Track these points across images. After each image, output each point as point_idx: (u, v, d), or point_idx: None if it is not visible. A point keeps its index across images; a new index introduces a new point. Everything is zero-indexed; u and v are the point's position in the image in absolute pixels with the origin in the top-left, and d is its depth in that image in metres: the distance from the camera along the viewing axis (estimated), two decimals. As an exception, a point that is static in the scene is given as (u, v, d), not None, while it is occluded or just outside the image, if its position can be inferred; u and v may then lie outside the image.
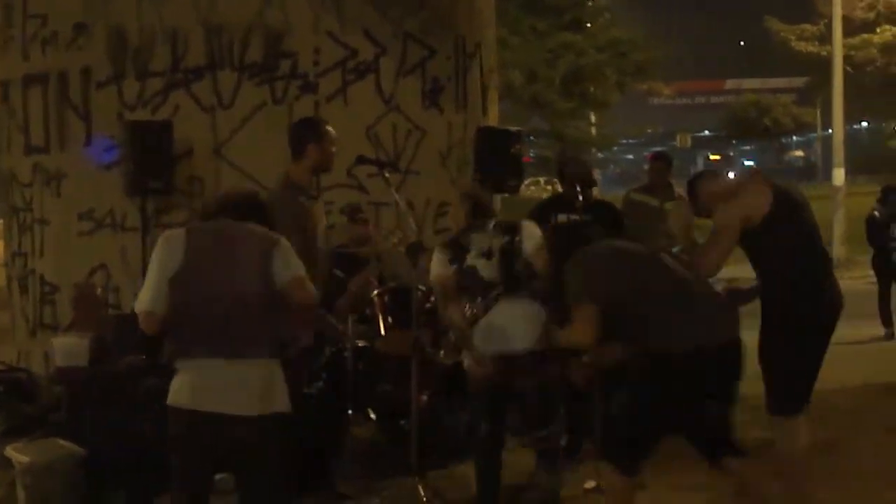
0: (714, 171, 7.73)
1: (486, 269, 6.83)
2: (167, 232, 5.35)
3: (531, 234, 7.03)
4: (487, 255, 6.88)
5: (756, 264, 6.54)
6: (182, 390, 5.12)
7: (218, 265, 5.12)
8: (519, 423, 7.05)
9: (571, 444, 7.94)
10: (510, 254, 6.88)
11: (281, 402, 5.14)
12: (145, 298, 5.15)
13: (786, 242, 6.38)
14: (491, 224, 7.06)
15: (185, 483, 5.25)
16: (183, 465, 5.21)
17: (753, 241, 6.39)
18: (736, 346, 5.93)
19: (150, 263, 5.22)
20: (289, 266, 5.20)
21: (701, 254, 6.55)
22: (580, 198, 8.10)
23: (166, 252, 5.15)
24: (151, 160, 9.37)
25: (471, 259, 6.88)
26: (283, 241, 5.28)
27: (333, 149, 7.19)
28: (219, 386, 5.03)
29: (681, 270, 6.15)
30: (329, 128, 7.18)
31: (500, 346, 6.56)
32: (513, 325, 6.55)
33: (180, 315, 5.10)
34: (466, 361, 6.86)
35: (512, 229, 6.99)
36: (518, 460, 7.49)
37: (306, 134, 7.15)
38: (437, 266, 7.06)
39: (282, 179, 7.00)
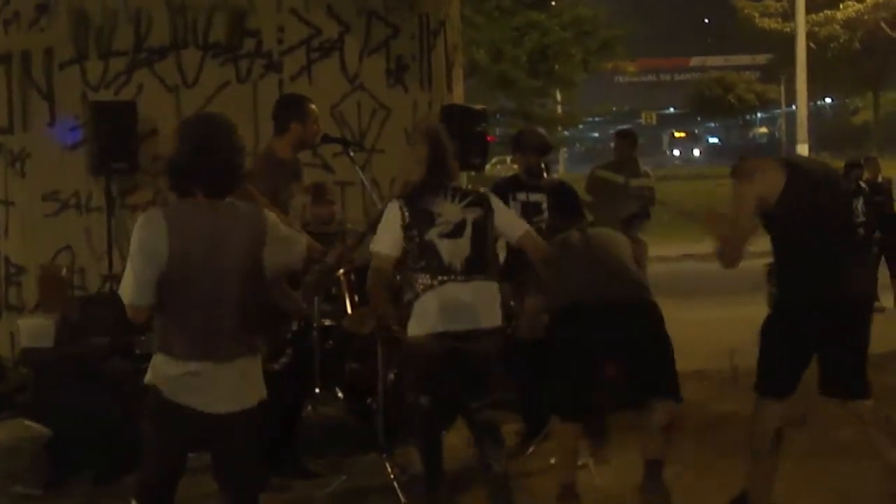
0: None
1: (450, 251, 6.12)
2: (144, 216, 5.00)
3: (501, 208, 6.48)
4: (456, 231, 6.16)
5: (772, 245, 6.46)
6: (164, 379, 4.94)
7: (206, 263, 4.89)
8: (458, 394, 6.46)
9: (537, 421, 8.00)
10: (484, 231, 6.25)
11: (258, 391, 5.09)
12: (129, 290, 4.89)
13: (795, 222, 6.24)
14: (454, 187, 6.34)
15: (160, 459, 5.12)
16: (158, 443, 5.09)
17: (770, 221, 6.33)
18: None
19: (132, 249, 4.90)
20: (280, 256, 5.12)
21: (721, 238, 6.41)
22: (545, 173, 8.13)
23: (148, 240, 4.86)
24: (115, 140, 9.33)
25: (433, 234, 6.13)
26: (271, 223, 5.11)
27: (317, 126, 7.20)
28: (201, 386, 4.90)
29: None
30: (313, 106, 7.20)
31: (461, 325, 6.10)
32: (477, 303, 6.15)
33: (167, 311, 4.92)
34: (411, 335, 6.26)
35: (480, 200, 6.32)
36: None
37: (290, 111, 7.22)
38: (387, 237, 6.25)
39: (264, 152, 7.02)
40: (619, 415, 8.41)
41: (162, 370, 4.94)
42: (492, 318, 6.23)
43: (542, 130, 9.03)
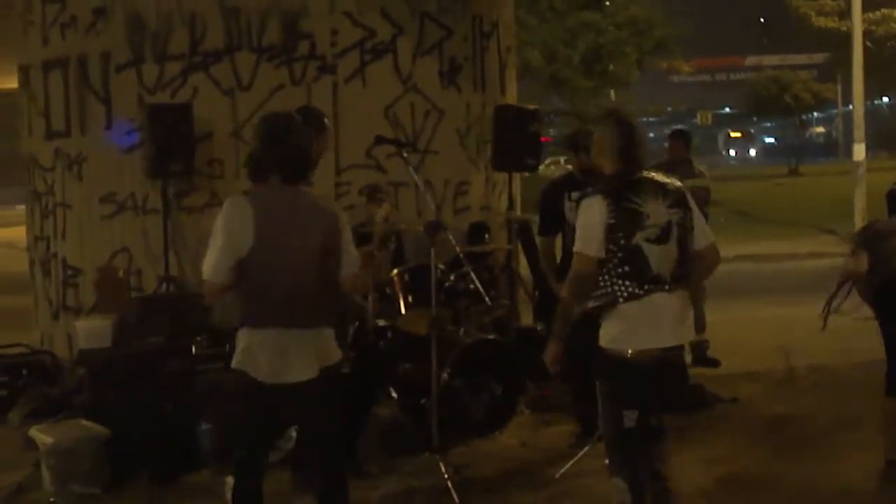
0: None
1: (657, 256, 5.55)
2: (230, 201, 5.48)
3: (697, 211, 5.83)
4: (664, 236, 5.58)
5: None
6: (246, 352, 5.38)
7: (290, 239, 5.36)
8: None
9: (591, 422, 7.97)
10: (685, 236, 5.67)
11: (335, 354, 5.57)
12: (208, 267, 5.38)
13: None
14: (655, 181, 5.69)
15: (250, 435, 5.56)
16: (248, 420, 5.54)
17: None
18: None
19: (216, 229, 5.38)
20: (351, 258, 5.59)
21: None
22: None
23: (233, 224, 5.33)
24: (172, 143, 9.40)
25: (641, 236, 5.54)
26: (344, 219, 5.65)
27: (328, 146, 7.05)
28: (283, 356, 5.33)
29: None
30: (330, 126, 7.10)
31: (662, 343, 5.62)
32: (679, 317, 5.67)
33: (252, 284, 5.35)
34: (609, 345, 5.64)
35: (681, 198, 5.71)
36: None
37: (307, 122, 7.14)
38: (594, 239, 5.57)
39: None
40: (675, 416, 8.42)
41: (243, 342, 5.39)
42: (688, 332, 5.91)
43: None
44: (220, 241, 5.35)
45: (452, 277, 8.44)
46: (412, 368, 8.24)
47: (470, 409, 8.13)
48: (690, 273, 5.68)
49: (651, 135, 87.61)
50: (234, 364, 5.43)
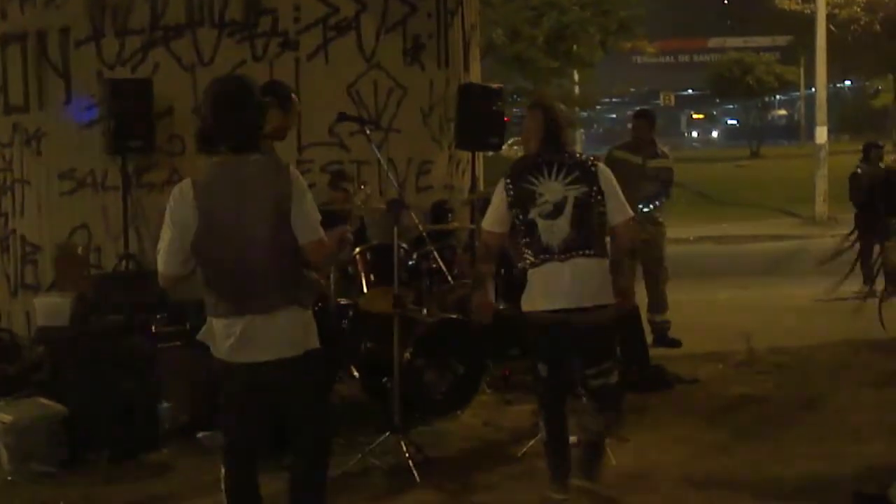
0: None
1: (548, 232, 6.24)
2: (177, 187, 5.28)
3: (612, 186, 6.39)
4: (556, 212, 6.24)
5: None
6: (215, 342, 5.26)
7: (235, 219, 5.11)
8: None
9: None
10: (587, 211, 6.25)
11: (306, 340, 5.32)
12: (160, 259, 5.25)
13: None
14: (561, 161, 6.32)
15: (237, 421, 5.41)
16: (231, 406, 5.41)
17: None
18: None
19: (165, 219, 5.23)
20: (309, 222, 5.22)
21: None
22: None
23: (176, 213, 5.17)
24: (131, 119, 9.34)
25: (535, 212, 6.24)
26: (297, 179, 5.25)
27: (294, 121, 6.99)
28: (248, 340, 5.17)
29: None
30: (296, 101, 7.01)
31: (560, 305, 6.22)
32: (573, 285, 6.21)
33: (205, 272, 5.21)
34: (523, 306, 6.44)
35: (588, 175, 6.30)
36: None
37: (272, 96, 7.01)
38: (495, 215, 6.43)
39: None
40: (636, 395, 8.44)
41: (211, 333, 5.26)
42: (595, 296, 6.26)
43: (562, 107, 8.85)
44: (168, 231, 5.20)
45: (415, 256, 8.41)
46: (374, 347, 8.21)
47: (432, 389, 8.11)
48: (591, 243, 6.26)
49: (613, 115, 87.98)
50: (199, 336, 5.36)
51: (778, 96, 72.62)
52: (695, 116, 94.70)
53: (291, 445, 5.50)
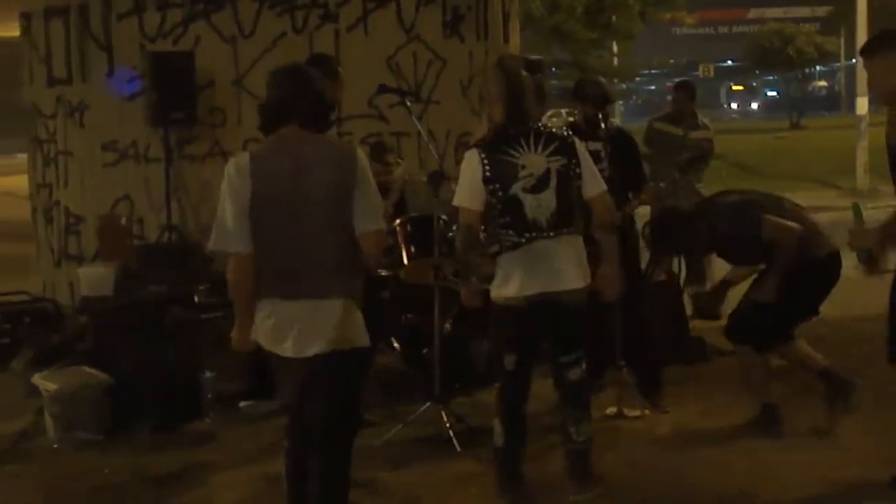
0: None
1: (535, 208, 5.78)
2: (232, 159, 5.13)
3: (586, 158, 6.03)
4: (541, 185, 5.79)
5: None
6: (260, 326, 5.07)
7: (293, 199, 4.93)
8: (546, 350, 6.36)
9: (594, 372, 7.99)
10: (568, 184, 5.86)
11: (356, 336, 5.13)
12: (230, 237, 4.97)
13: None
14: (538, 131, 5.90)
15: (287, 397, 5.31)
16: (280, 383, 5.29)
17: None
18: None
19: (222, 196, 5.01)
20: (371, 211, 5.07)
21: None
22: (602, 124, 8.00)
23: (232, 182, 4.97)
24: (173, 91, 9.40)
25: (517, 188, 5.77)
26: (363, 163, 5.10)
27: (340, 94, 7.02)
28: (297, 328, 4.99)
29: None
30: (340, 70, 7.03)
31: (545, 288, 5.82)
32: (562, 264, 5.84)
33: (258, 249, 4.97)
34: (494, 293, 5.99)
35: (565, 146, 5.90)
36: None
37: (321, 69, 7.04)
38: (470, 191, 5.84)
39: None
40: (675, 367, 8.44)
41: (262, 320, 5.04)
42: (575, 278, 5.90)
43: (602, 80, 8.86)
44: (229, 205, 4.94)
45: (455, 228, 8.42)
46: (415, 319, 8.25)
47: (472, 360, 8.14)
48: (576, 219, 5.88)
49: (652, 87, 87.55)
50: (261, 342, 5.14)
51: (818, 67, 72.03)
52: (734, 88, 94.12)
53: (315, 436, 5.25)
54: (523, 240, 5.78)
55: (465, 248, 5.93)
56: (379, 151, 8.90)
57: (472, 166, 5.83)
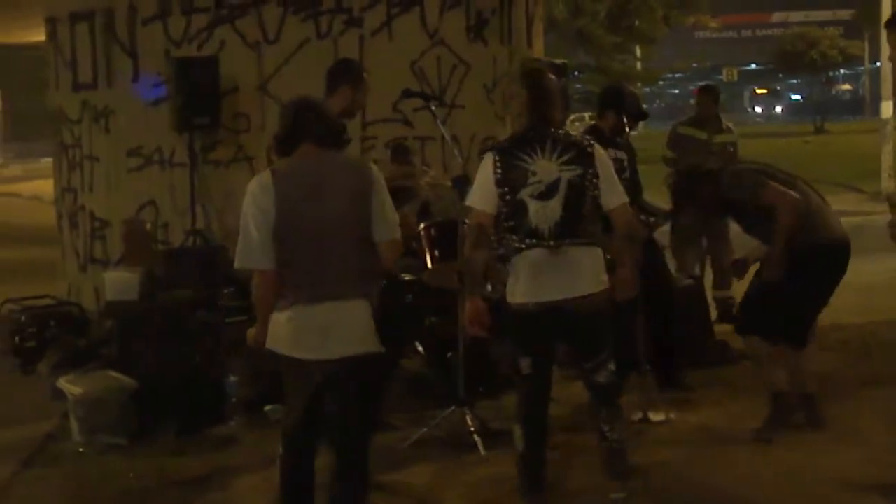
0: None
1: (539, 215, 5.78)
2: (255, 178, 5.24)
3: (607, 168, 5.99)
4: (548, 193, 5.79)
5: None
6: (278, 331, 5.16)
7: (313, 208, 5.08)
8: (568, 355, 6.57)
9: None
10: (580, 194, 5.83)
11: (372, 342, 5.24)
12: (256, 255, 5.09)
13: None
14: (555, 138, 5.89)
15: (294, 406, 5.33)
16: (291, 392, 5.33)
17: None
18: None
19: (244, 217, 5.11)
20: (387, 222, 5.25)
21: None
22: (627, 129, 7.99)
23: (256, 203, 5.08)
24: (198, 96, 9.42)
25: (525, 193, 5.80)
26: (378, 178, 5.28)
27: (364, 99, 7.03)
28: (318, 330, 5.09)
29: None
30: (366, 76, 7.03)
31: (549, 297, 5.81)
32: (566, 273, 5.80)
33: (282, 262, 5.09)
34: (507, 297, 5.97)
35: (583, 156, 5.87)
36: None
37: (344, 75, 7.05)
38: (483, 193, 5.90)
39: None
40: (700, 372, 8.42)
41: (276, 322, 5.14)
42: (587, 285, 5.85)
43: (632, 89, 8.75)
44: (253, 225, 5.07)
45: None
46: (438, 322, 8.25)
47: (496, 364, 8.14)
48: (582, 229, 5.82)
49: (676, 91, 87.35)
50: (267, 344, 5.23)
51: (842, 71, 71.81)
52: (758, 91, 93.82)
53: (333, 441, 5.36)
54: (524, 245, 5.80)
55: (472, 248, 5.94)
56: (399, 153, 8.91)
57: (486, 169, 5.88)
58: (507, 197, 5.81)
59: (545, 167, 5.80)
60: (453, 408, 7.39)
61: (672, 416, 7.62)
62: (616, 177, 6.07)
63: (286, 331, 5.12)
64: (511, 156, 5.85)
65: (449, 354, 7.95)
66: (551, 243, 5.78)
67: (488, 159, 5.91)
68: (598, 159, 5.90)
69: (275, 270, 5.09)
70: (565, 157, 5.82)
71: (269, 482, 6.57)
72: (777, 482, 6.43)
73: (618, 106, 8.09)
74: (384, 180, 5.37)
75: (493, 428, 7.36)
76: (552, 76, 6.17)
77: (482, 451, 7.01)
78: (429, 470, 6.84)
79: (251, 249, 5.08)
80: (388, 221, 5.26)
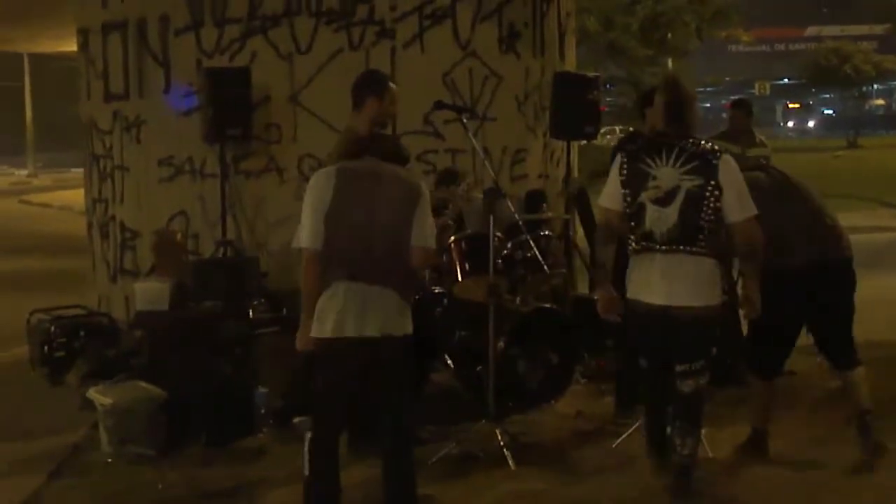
0: None
1: (654, 219, 6.04)
2: (319, 171, 5.81)
3: (733, 180, 6.06)
4: (666, 199, 6.02)
5: None
6: (323, 314, 5.55)
7: (366, 199, 5.57)
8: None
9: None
10: (697, 203, 5.99)
11: (407, 324, 5.68)
12: (307, 234, 5.57)
13: None
14: (682, 146, 6.07)
15: (331, 404, 5.69)
16: (328, 388, 5.66)
17: None
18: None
19: (305, 202, 5.63)
20: (424, 230, 5.68)
21: None
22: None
23: (317, 190, 5.61)
24: (230, 107, 9.40)
25: (645, 196, 6.08)
26: (425, 193, 5.75)
27: (394, 108, 7.00)
28: (346, 311, 5.51)
29: None
30: (392, 85, 6.97)
31: (655, 300, 6.09)
32: (673, 279, 6.04)
33: (328, 245, 5.54)
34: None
35: (707, 167, 6.00)
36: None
37: (368, 86, 7.01)
38: (611, 192, 6.23)
39: (344, 128, 6.88)
40: (732, 388, 8.34)
41: (320, 305, 5.55)
42: (691, 296, 6.04)
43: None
44: (310, 206, 5.59)
45: (510, 245, 8.39)
46: (468, 336, 8.21)
47: (526, 378, 8.10)
48: (696, 239, 5.99)
49: (707, 105, 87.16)
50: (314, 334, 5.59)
51: (875, 86, 71.47)
52: (791, 106, 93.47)
53: (377, 434, 5.73)
54: (639, 247, 6.13)
55: (600, 243, 6.36)
56: (448, 178, 8.81)
57: (615, 170, 6.24)
58: (629, 199, 6.14)
59: (666, 174, 6.03)
60: (483, 422, 7.35)
61: (703, 431, 7.54)
62: (746, 189, 6.12)
63: (328, 311, 5.53)
64: (636, 159, 6.14)
65: (478, 368, 7.91)
66: (662, 248, 6.04)
67: (617, 160, 6.25)
68: (723, 171, 6.02)
69: (320, 251, 5.53)
70: (688, 167, 6.01)
71: (297, 495, 6.58)
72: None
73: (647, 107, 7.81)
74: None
75: (522, 442, 7.33)
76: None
77: (512, 466, 6.98)
78: (458, 484, 6.81)
79: (304, 230, 5.58)
80: (425, 230, 5.69)
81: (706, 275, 6.04)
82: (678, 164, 6.01)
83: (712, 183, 5.95)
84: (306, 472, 5.85)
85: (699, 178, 5.97)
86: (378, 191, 5.61)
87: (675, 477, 6.25)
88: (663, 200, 5.99)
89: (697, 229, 5.97)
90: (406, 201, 5.66)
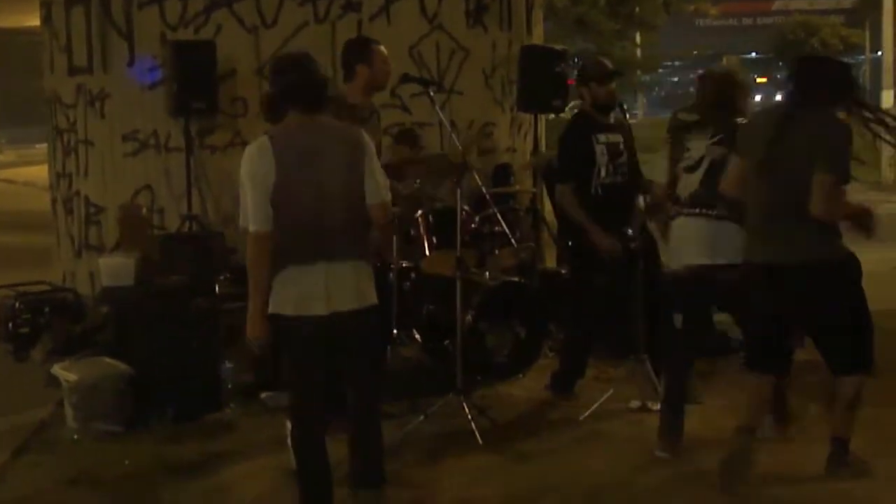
0: None
1: (682, 185, 6.73)
2: (253, 145, 5.39)
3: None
4: (695, 166, 6.70)
5: None
6: (284, 295, 5.32)
7: (312, 171, 5.28)
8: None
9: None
10: (719, 171, 6.53)
11: (371, 295, 5.50)
12: (252, 216, 5.26)
13: None
14: (718, 123, 6.72)
15: (304, 379, 5.53)
16: (298, 364, 5.51)
17: None
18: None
19: (242, 180, 5.32)
20: (378, 184, 5.47)
21: None
22: (618, 105, 7.92)
23: (256, 167, 5.27)
24: (194, 80, 9.34)
25: (680, 167, 6.75)
26: (368, 142, 5.51)
27: (386, 67, 7.10)
28: (320, 286, 5.29)
29: None
30: (378, 46, 7.07)
31: (689, 260, 6.65)
32: (699, 240, 6.62)
33: (281, 226, 5.27)
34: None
35: (728, 139, 6.57)
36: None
37: (354, 55, 7.10)
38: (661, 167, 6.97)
39: (334, 98, 6.87)
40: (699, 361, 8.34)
41: (280, 286, 5.31)
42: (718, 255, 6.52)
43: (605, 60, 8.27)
44: (250, 186, 5.26)
45: (477, 219, 8.37)
46: (436, 310, 8.20)
47: (494, 352, 8.10)
48: (713, 202, 6.52)
49: (675, 79, 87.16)
50: (269, 310, 5.35)
51: (843, 59, 71.66)
52: (758, 80, 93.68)
53: (346, 403, 5.60)
54: (673, 212, 6.77)
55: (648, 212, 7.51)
56: (408, 139, 8.85)
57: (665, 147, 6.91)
58: (673, 169, 6.78)
59: (697, 145, 6.68)
60: (450, 396, 7.34)
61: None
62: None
63: (288, 292, 5.30)
64: (678, 135, 6.81)
65: (446, 342, 7.90)
66: (687, 211, 6.67)
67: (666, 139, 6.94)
68: None
69: (268, 232, 5.23)
70: (716, 139, 6.62)
71: (265, 468, 6.57)
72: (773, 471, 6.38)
73: (586, 78, 7.80)
74: (388, 162, 5.55)
75: (490, 416, 7.32)
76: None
77: (480, 441, 6.96)
78: (426, 459, 6.80)
79: (250, 209, 5.25)
80: (377, 184, 5.47)
81: (729, 235, 6.49)
82: (708, 137, 6.67)
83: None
84: (294, 466, 5.74)
85: (725, 149, 6.52)
86: (320, 161, 5.31)
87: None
88: (692, 167, 6.69)
89: (715, 193, 6.47)
90: (351, 162, 5.38)
